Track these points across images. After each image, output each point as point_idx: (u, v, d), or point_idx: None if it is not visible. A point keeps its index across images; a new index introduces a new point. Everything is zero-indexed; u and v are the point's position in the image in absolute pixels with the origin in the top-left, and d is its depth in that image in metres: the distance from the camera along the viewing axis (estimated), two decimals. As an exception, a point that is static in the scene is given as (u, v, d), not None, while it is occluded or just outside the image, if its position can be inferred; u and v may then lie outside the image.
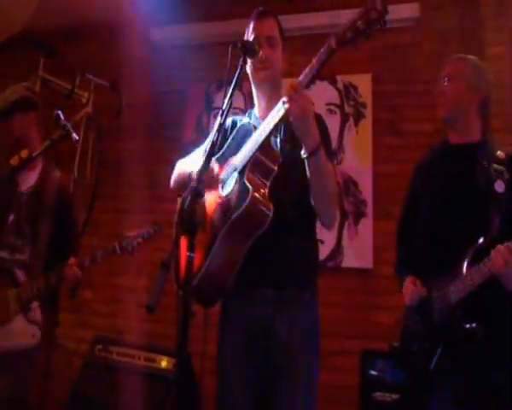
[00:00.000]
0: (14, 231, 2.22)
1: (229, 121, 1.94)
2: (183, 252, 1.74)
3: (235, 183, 1.70)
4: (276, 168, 1.65)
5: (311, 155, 1.56)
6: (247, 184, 1.61)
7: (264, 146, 1.65)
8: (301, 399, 1.66)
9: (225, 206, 1.71)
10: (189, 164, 1.92)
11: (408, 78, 3.50)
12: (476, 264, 1.76)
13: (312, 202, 1.69)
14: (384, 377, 2.82)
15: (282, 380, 1.66)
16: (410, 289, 1.97)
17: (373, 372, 2.86)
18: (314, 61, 1.52)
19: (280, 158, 1.67)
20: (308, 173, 1.62)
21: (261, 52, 1.75)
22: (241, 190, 1.64)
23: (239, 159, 1.71)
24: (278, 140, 1.76)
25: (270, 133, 1.64)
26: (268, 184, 1.64)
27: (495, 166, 1.89)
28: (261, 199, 1.60)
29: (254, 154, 1.65)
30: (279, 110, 1.59)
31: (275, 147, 1.75)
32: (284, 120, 1.58)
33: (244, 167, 1.67)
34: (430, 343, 1.86)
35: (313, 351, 1.74)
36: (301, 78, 1.53)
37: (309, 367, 1.72)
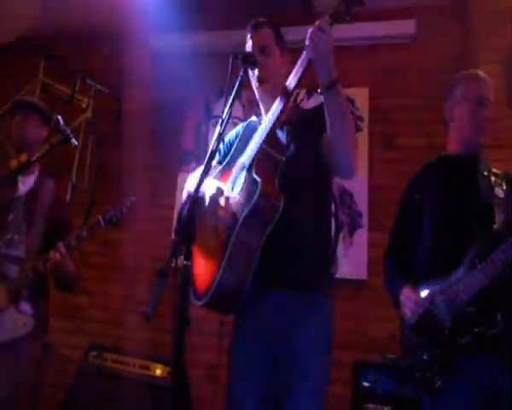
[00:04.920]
0: (12, 228, 2.25)
1: (239, 128, 1.97)
2: (197, 264, 1.75)
3: (245, 181, 1.68)
4: (283, 158, 1.63)
5: (330, 86, 1.54)
6: (256, 177, 1.59)
7: (270, 137, 1.65)
8: (309, 405, 1.64)
9: (237, 204, 1.67)
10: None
11: (403, 93, 3.55)
12: (482, 257, 1.76)
13: (332, 149, 1.66)
14: (376, 389, 2.79)
15: (291, 384, 1.63)
16: (411, 298, 1.90)
17: (365, 384, 2.84)
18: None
19: (286, 148, 1.68)
20: (328, 113, 1.59)
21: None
22: (251, 185, 1.61)
23: (246, 156, 1.71)
24: (285, 133, 1.77)
25: (275, 123, 1.64)
26: (277, 175, 1.62)
27: (493, 177, 1.95)
28: (271, 190, 1.58)
29: (261, 147, 1.64)
30: (280, 101, 1.62)
31: (282, 140, 1.75)
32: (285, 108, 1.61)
33: (252, 163, 1.66)
34: (443, 349, 1.80)
35: (326, 356, 1.72)
36: (324, 20, 1.53)
37: (320, 373, 1.69)
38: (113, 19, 3.64)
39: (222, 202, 1.71)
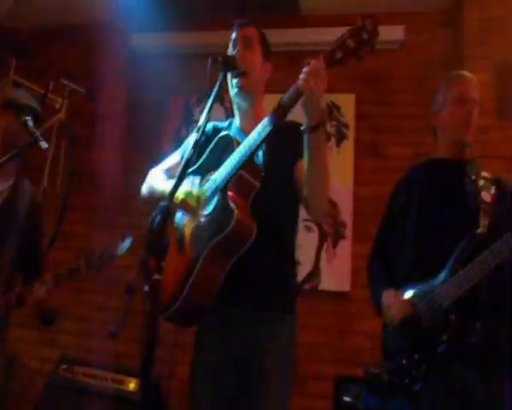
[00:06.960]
0: None
1: (209, 126, 1.88)
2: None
3: (217, 201, 1.65)
4: (258, 185, 1.62)
5: (314, 128, 1.53)
6: (231, 204, 1.57)
7: (248, 163, 1.62)
8: None
9: (207, 225, 1.66)
10: (163, 179, 1.87)
11: (391, 100, 3.52)
12: (465, 262, 1.74)
13: (306, 189, 1.66)
14: (358, 404, 2.72)
15: (254, 405, 1.63)
16: (394, 301, 1.88)
17: (346, 399, 2.77)
18: None
19: (262, 172, 1.65)
20: (307, 152, 1.58)
21: (236, 49, 1.77)
22: (224, 209, 1.60)
23: (220, 175, 1.66)
24: (261, 153, 1.72)
25: (255, 151, 1.61)
26: (250, 200, 1.62)
27: (482, 181, 1.94)
28: (245, 219, 1.58)
29: (237, 171, 1.61)
30: (265, 127, 1.56)
31: (257, 160, 1.71)
32: (268, 136, 1.57)
33: (226, 185, 1.63)
34: (421, 355, 1.78)
35: (289, 377, 1.71)
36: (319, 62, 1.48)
37: (283, 394, 1.68)
38: (90, 15, 3.53)
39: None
